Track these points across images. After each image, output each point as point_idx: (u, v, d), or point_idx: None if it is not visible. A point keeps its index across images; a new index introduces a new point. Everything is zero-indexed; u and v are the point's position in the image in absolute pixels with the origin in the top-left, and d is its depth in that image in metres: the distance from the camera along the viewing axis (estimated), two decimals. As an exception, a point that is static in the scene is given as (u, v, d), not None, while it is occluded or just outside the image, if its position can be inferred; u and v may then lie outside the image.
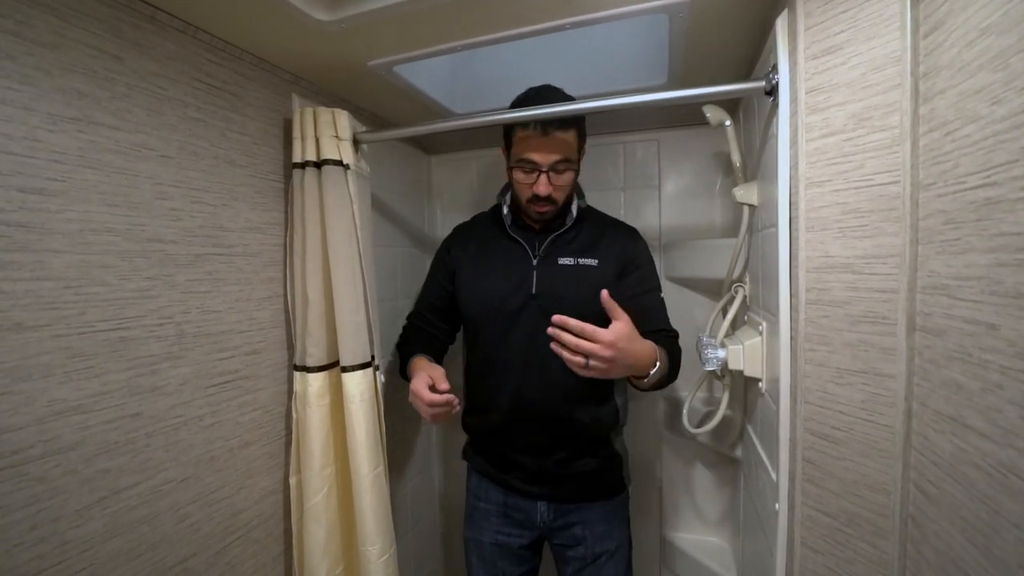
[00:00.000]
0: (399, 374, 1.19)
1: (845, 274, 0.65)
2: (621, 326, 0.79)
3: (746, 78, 1.03)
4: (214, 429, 0.88)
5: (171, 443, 0.81)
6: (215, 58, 0.88)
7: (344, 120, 0.98)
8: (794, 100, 0.72)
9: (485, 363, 1.10)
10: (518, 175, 1.01)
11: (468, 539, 1.16)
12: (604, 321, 0.83)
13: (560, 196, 1.03)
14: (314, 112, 0.97)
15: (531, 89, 1.03)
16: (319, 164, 0.97)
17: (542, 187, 0.99)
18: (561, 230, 1.08)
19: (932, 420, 0.54)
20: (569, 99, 1.01)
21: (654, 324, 1.05)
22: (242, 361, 0.94)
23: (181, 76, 0.82)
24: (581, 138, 1.03)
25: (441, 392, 0.95)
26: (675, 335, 1.08)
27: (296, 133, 0.98)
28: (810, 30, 0.68)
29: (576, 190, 1.11)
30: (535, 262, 1.07)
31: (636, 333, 0.83)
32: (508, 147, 1.04)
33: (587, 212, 1.13)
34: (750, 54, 1.00)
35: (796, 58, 0.71)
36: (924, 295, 0.56)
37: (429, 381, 0.96)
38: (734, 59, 1.02)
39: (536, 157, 0.97)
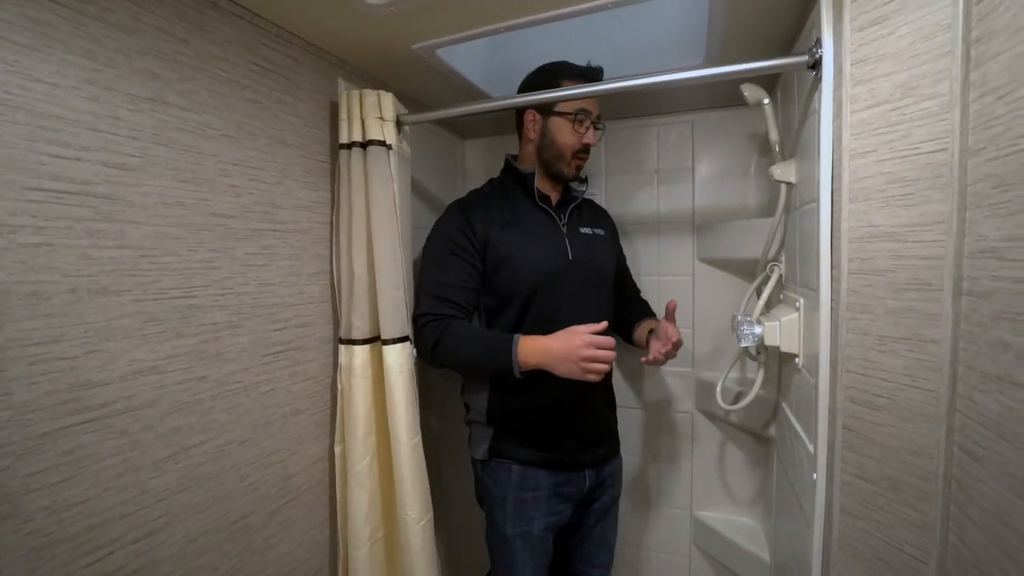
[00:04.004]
0: (466, 372, 1.17)
1: (889, 243, 0.66)
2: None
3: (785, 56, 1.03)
4: (269, 396, 0.94)
5: (232, 406, 0.87)
6: (269, 42, 0.92)
7: (388, 102, 1.02)
8: (838, 72, 0.73)
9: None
10: (570, 127, 1.11)
11: (514, 536, 1.09)
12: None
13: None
14: (360, 94, 1.01)
15: (587, 68, 1.11)
16: (364, 145, 1.01)
17: (591, 136, 1.13)
18: (575, 203, 1.20)
19: (978, 382, 0.55)
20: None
21: (635, 288, 1.40)
22: (294, 333, 0.99)
23: (240, 59, 0.86)
24: None
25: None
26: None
27: (343, 115, 1.02)
28: (856, 2, 0.68)
29: None
30: (564, 230, 1.16)
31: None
32: (550, 107, 1.11)
33: None
34: (789, 33, 0.99)
35: (841, 31, 0.71)
36: (971, 259, 0.57)
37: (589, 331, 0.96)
38: (772, 37, 1.02)
39: (590, 107, 1.11)
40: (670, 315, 1.05)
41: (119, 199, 0.69)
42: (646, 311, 1.33)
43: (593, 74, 1.09)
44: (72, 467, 0.64)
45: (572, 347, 0.95)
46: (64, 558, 0.63)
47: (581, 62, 1.11)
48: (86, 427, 0.66)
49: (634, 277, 1.42)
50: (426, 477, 1.06)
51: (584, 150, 1.13)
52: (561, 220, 1.16)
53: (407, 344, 1.04)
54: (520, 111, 1.16)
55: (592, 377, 0.95)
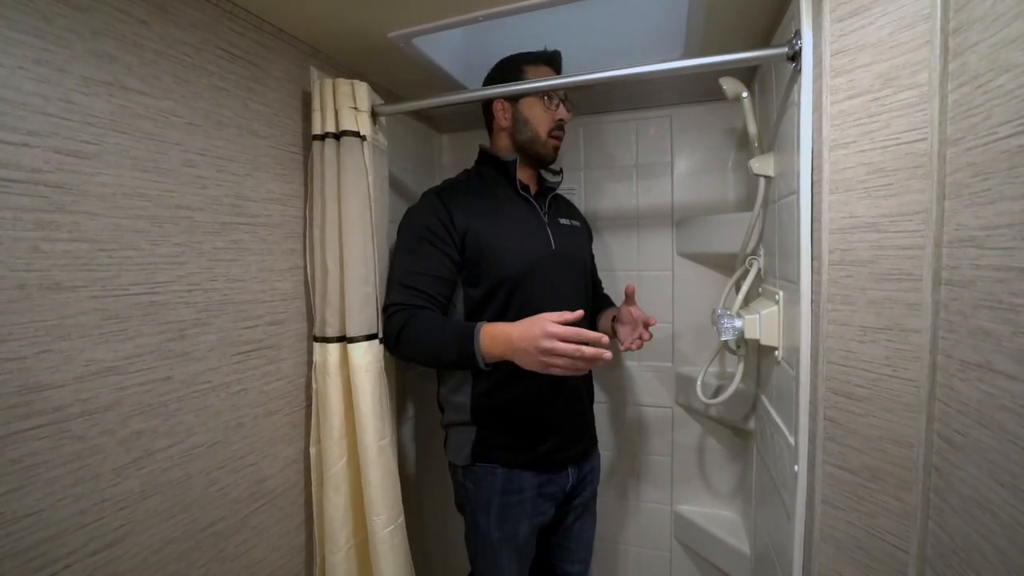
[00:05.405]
0: (426, 363, 1.06)
1: (870, 233, 0.66)
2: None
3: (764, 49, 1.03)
4: (240, 396, 0.90)
5: (200, 408, 0.83)
6: (238, 28, 0.88)
7: (363, 91, 0.99)
8: (818, 64, 0.73)
9: None
10: (542, 105, 1.09)
11: (500, 540, 1.06)
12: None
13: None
14: (333, 83, 0.98)
15: (544, 52, 1.12)
16: (338, 136, 0.97)
17: (564, 112, 1.11)
18: (552, 193, 1.19)
19: (958, 370, 0.56)
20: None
21: (599, 284, 1.38)
22: (266, 331, 0.95)
23: (206, 44, 0.82)
24: None
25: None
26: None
27: (316, 105, 0.98)
28: (836, -8, 0.68)
29: None
30: (546, 220, 1.14)
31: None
32: (518, 95, 1.10)
33: None
34: (768, 25, 1.00)
35: (821, 22, 0.71)
36: (951, 248, 0.57)
37: (554, 319, 0.83)
38: (751, 31, 1.02)
39: None
40: (630, 299, 1.08)
41: (73, 188, 0.65)
42: (607, 302, 1.34)
43: (551, 56, 1.11)
44: (21, 476, 0.59)
45: (532, 336, 0.83)
46: (12, 575, 0.59)
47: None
48: (38, 432, 0.61)
49: (613, 272, 1.46)
50: (397, 481, 1.03)
51: (559, 127, 1.11)
52: (542, 209, 1.15)
53: (375, 342, 1.00)
54: (487, 105, 1.14)
55: (555, 371, 0.84)
